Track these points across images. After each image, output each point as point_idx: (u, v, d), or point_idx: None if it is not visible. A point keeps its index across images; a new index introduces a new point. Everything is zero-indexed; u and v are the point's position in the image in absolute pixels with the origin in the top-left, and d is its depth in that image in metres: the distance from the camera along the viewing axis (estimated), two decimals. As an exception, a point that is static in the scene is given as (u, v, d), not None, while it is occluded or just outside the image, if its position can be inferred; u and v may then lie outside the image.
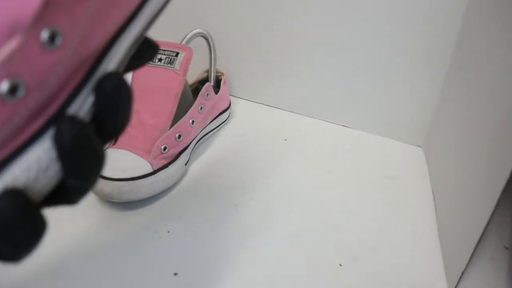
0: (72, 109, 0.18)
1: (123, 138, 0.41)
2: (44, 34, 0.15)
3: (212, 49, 0.55)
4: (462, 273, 0.31)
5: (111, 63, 0.19)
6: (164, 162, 0.42)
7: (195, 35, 0.51)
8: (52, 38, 0.16)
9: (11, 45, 0.15)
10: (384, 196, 0.45)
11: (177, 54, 0.45)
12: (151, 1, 0.20)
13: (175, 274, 0.34)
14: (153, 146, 0.41)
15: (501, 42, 0.34)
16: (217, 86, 0.56)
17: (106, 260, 0.34)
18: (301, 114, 0.61)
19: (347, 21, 0.53)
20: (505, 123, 0.29)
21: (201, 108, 0.48)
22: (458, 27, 0.47)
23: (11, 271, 0.32)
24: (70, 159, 0.17)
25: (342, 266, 0.36)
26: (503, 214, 0.32)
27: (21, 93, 0.15)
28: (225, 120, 0.57)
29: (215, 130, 0.55)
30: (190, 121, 0.46)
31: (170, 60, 0.44)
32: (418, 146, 0.56)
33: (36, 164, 0.16)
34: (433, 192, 0.46)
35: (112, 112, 0.19)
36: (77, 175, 0.18)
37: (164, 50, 0.45)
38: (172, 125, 0.43)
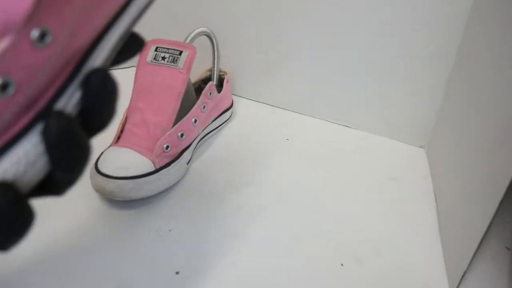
0: (60, 104, 0.18)
1: (125, 136, 0.41)
2: (34, 33, 0.16)
3: (215, 48, 0.55)
4: (464, 273, 0.31)
5: (98, 59, 0.20)
6: (167, 160, 0.42)
7: (199, 34, 0.51)
8: (42, 37, 0.16)
9: (3, 44, 0.15)
10: (386, 197, 0.45)
11: (180, 52, 0.45)
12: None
13: (177, 273, 0.34)
14: (155, 144, 0.41)
15: (504, 44, 0.34)
16: (220, 85, 0.56)
17: (108, 258, 0.34)
18: (304, 114, 0.61)
19: (351, 22, 0.53)
20: (507, 125, 0.29)
21: (204, 107, 0.48)
22: (462, 28, 0.47)
23: (13, 268, 0.32)
24: (57, 153, 0.18)
25: (343, 267, 0.36)
26: (505, 215, 0.32)
27: (11, 90, 0.16)
28: (227, 119, 0.57)
29: (217, 129, 0.55)
30: (193, 120, 0.46)
31: (174, 58, 0.44)
32: (421, 147, 0.56)
33: (25, 158, 0.17)
34: (435, 193, 0.46)
35: (98, 106, 0.20)
36: (64, 168, 0.19)
37: (168, 49, 0.45)
38: (174, 124, 0.44)
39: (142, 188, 0.39)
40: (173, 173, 0.42)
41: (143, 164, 0.39)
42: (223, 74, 0.58)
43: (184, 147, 0.45)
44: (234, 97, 0.61)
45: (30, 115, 0.17)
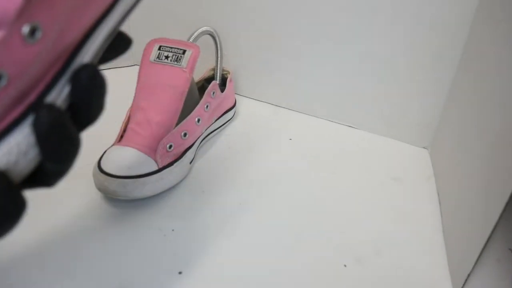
0: (50, 98, 0.19)
1: (128, 136, 0.41)
2: (25, 29, 0.17)
3: (218, 47, 0.55)
4: (468, 275, 0.31)
5: (87, 55, 0.21)
6: (169, 160, 0.42)
7: (202, 33, 0.51)
8: (33, 32, 0.17)
9: None
10: (389, 197, 0.45)
11: (184, 51, 0.45)
12: None
13: (180, 272, 0.34)
14: (158, 144, 0.41)
15: (509, 45, 0.33)
16: (223, 84, 0.56)
17: (110, 258, 0.34)
18: (307, 114, 0.61)
19: (354, 22, 0.52)
20: (513, 126, 0.29)
21: (207, 106, 0.48)
22: (467, 29, 0.47)
23: (13, 267, 0.32)
24: (47, 144, 0.19)
25: (346, 267, 0.35)
26: (510, 216, 0.31)
27: (3, 82, 0.17)
28: (230, 119, 0.57)
29: (220, 128, 0.55)
30: (196, 119, 0.46)
31: (177, 57, 0.44)
32: (424, 147, 0.55)
33: (16, 148, 0.18)
34: (438, 194, 0.46)
35: (87, 101, 0.20)
36: (54, 158, 0.19)
37: (171, 48, 0.45)
38: (177, 123, 0.43)
39: (144, 187, 0.39)
40: (176, 173, 0.42)
41: (146, 163, 0.39)
42: (226, 73, 0.58)
43: (187, 146, 0.45)
44: (237, 97, 0.61)
45: (22, 107, 0.18)
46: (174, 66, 0.44)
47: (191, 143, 0.46)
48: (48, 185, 0.21)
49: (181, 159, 0.43)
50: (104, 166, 0.38)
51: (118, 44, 0.23)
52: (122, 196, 0.38)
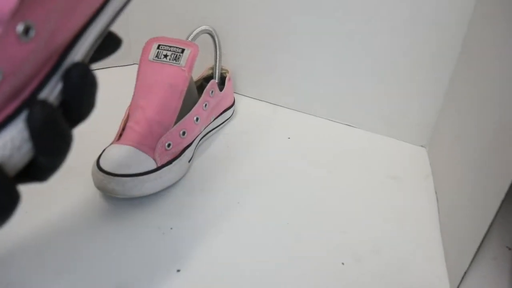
0: (43, 95, 0.20)
1: (127, 134, 0.41)
2: (20, 28, 0.17)
3: (217, 46, 0.55)
4: (465, 273, 0.31)
5: (78, 54, 0.21)
6: (168, 158, 0.42)
7: (201, 32, 0.51)
8: (27, 31, 0.18)
9: None
10: (387, 196, 0.45)
11: (182, 50, 0.45)
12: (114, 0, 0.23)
13: (178, 270, 0.34)
14: (157, 142, 0.41)
15: (507, 44, 0.34)
16: (221, 83, 0.56)
17: (109, 256, 0.35)
18: (305, 113, 0.61)
19: (353, 21, 0.53)
20: (509, 124, 0.29)
21: (206, 105, 0.48)
22: (465, 29, 0.47)
23: (13, 266, 0.33)
24: (40, 139, 0.19)
25: (344, 266, 0.36)
26: (506, 214, 0.32)
27: None
28: (229, 118, 0.57)
29: (219, 127, 0.55)
30: (195, 118, 0.46)
31: (176, 56, 0.44)
32: (422, 146, 0.56)
33: (11, 143, 0.18)
34: (436, 193, 0.46)
35: (78, 98, 0.21)
36: (47, 153, 0.20)
37: (170, 47, 0.45)
38: (176, 122, 0.44)
39: (143, 186, 0.39)
40: (175, 171, 0.42)
41: (144, 161, 0.40)
42: (225, 72, 0.58)
43: (186, 145, 0.45)
44: (236, 96, 0.61)
45: (16, 103, 0.19)
46: (173, 65, 0.44)
47: (190, 141, 0.46)
48: (40, 180, 0.22)
49: (180, 158, 0.43)
50: (103, 165, 0.38)
51: (108, 44, 0.24)
52: (120, 195, 0.38)
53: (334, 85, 0.58)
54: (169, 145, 0.42)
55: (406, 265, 0.36)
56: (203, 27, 0.51)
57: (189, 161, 0.46)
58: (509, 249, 0.33)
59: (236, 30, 0.61)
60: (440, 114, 0.52)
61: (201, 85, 0.57)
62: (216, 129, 0.54)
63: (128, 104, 0.44)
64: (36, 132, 0.19)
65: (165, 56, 0.45)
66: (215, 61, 0.56)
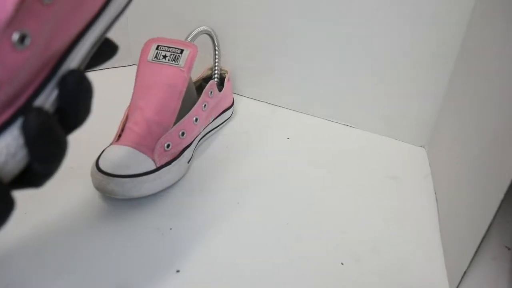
0: (38, 102, 0.20)
1: (126, 135, 0.41)
2: (15, 36, 0.17)
3: (216, 47, 0.55)
4: (464, 273, 0.31)
5: (74, 61, 0.21)
6: (167, 159, 0.42)
7: (200, 33, 0.51)
8: (22, 39, 0.18)
9: None
10: (387, 196, 0.45)
11: (181, 51, 0.45)
12: (110, 7, 0.23)
13: (178, 271, 0.34)
14: (156, 143, 0.41)
15: (506, 44, 0.34)
16: (220, 84, 0.56)
17: (108, 257, 0.34)
18: (304, 113, 0.61)
19: (352, 21, 0.53)
20: (508, 124, 0.29)
21: (205, 105, 0.48)
22: (464, 28, 0.47)
23: (12, 267, 0.33)
24: (36, 146, 0.19)
25: (344, 266, 0.36)
26: (506, 214, 0.32)
27: None
28: (228, 118, 0.57)
29: (218, 128, 0.55)
30: (194, 118, 0.46)
31: (175, 57, 0.44)
32: (421, 146, 0.56)
33: (6, 149, 0.18)
34: (435, 193, 0.46)
35: (74, 105, 0.21)
36: (42, 160, 0.20)
37: (169, 47, 0.45)
38: (175, 123, 0.44)
39: (142, 187, 0.39)
40: (174, 172, 0.42)
41: (143, 162, 0.40)
42: (224, 73, 0.58)
43: (185, 145, 0.45)
44: (235, 96, 0.61)
45: (11, 111, 0.19)
46: (172, 65, 0.44)
47: (189, 142, 0.46)
48: (35, 186, 0.22)
49: (179, 159, 0.43)
50: (102, 165, 0.38)
51: (105, 50, 0.24)
52: (120, 195, 0.38)
53: (334, 85, 0.58)
54: (168, 145, 0.42)
55: (405, 265, 0.36)
56: (202, 28, 0.51)
57: (189, 162, 0.46)
58: (509, 249, 0.33)
59: (235, 30, 0.61)
60: (440, 114, 0.52)
61: (200, 85, 0.57)
62: (216, 129, 0.54)
63: (127, 105, 0.44)
64: (31, 139, 0.19)
65: (164, 56, 0.45)
66: (214, 62, 0.56)
